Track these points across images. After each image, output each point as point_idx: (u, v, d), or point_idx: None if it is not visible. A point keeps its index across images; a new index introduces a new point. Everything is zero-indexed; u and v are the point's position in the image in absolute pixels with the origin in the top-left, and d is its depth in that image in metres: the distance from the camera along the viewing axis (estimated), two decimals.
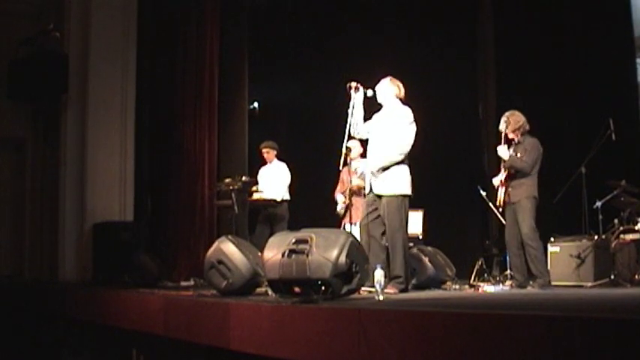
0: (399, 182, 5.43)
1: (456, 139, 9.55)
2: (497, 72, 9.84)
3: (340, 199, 7.38)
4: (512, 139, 6.14)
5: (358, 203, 6.74)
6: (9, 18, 8.74)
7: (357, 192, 6.72)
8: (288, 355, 3.66)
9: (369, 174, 5.57)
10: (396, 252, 5.34)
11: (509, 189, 6.01)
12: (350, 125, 5.55)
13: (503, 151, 6.07)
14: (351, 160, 6.47)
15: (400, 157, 5.42)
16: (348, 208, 6.29)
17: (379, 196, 5.47)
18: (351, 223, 6.48)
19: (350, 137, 5.59)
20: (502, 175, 6.06)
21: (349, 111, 5.57)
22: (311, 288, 4.19)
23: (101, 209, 8.26)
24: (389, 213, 5.39)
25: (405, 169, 5.48)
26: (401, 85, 5.64)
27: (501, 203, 6.10)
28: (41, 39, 8.39)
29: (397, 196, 5.41)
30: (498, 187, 6.10)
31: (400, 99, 5.61)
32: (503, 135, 6.14)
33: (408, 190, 5.47)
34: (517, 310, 3.14)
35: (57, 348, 7.28)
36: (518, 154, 5.99)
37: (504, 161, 6.06)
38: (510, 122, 6.10)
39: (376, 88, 5.63)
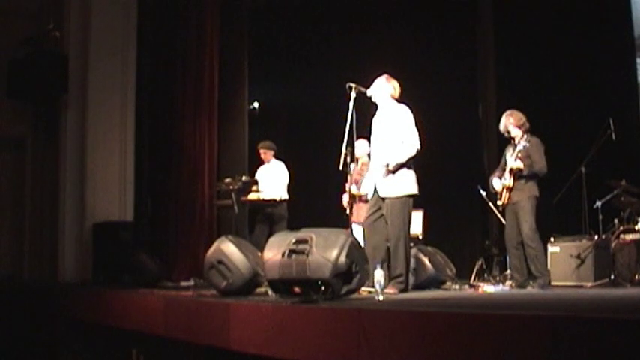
0: (406, 183, 5.43)
1: (456, 139, 9.54)
2: (497, 72, 9.84)
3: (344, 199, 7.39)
4: (514, 138, 6.11)
5: (361, 203, 6.81)
6: (9, 18, 8.73)
7: (356, 198, 6.78)
8: (288, 355, 3.66)
9: (378, 173, 5.55)
10: (399, 251, 5.34)
11: (512, 190, 5.99)
12: (350, 125, 5.55)
13: (517, 163, 5.92)
14: (357, 159, 6.51)
15: (415, 152, 5.42)
16: (351, 207, 6.29)
17: (383, 198, 5.48)
18: (357, 223, 6.52)
19: (350, 138, 5.59)
20: (509, 182, 5.97)
21: (349, 111, 5.57)
22: (311, 288, 4.19)
23: (101, 209, 8.26)
24: (393, 212, 5.39)
25: (410, 171, 5.50)
26: (397, 85, 5.64)
27: (505, 204, 6.08)
28: (41, 39, 8.39)
29: (403, 197, 5.42)
30: (503, 190, 6.06)
31: (395, 99, 5.62)
32: (510, 137, 6.11)
33: (414, 189, 5.47)
34: (517, 310, 3.14)
35: (57, 348, 7.28)
36: (521, 156, 5.92)
37: (516, 168, 5.93)
38: (513, 118, 6.08)
39: (372, 87, 5.63)
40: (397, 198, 5.41)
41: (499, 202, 6.16)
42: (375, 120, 5.70)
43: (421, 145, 5.49)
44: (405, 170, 5.45)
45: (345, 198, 7.33)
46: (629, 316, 2.28)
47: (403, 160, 5.41)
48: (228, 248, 5.09)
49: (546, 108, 8.21)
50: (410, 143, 5.43)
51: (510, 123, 6.11)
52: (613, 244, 6.39)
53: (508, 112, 6.18)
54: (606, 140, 6.81)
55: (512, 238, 6.03)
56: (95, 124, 8.37)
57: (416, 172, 5.52)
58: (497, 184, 6.15)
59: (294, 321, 3.72)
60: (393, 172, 5.42)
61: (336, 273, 4.18)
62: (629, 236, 6.42)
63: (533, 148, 5.94)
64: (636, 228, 6.41)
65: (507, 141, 6.29)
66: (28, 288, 8.05)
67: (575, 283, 6.33)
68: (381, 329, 3.12)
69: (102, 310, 6.19)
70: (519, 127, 6.06)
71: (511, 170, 5.97)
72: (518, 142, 6.00)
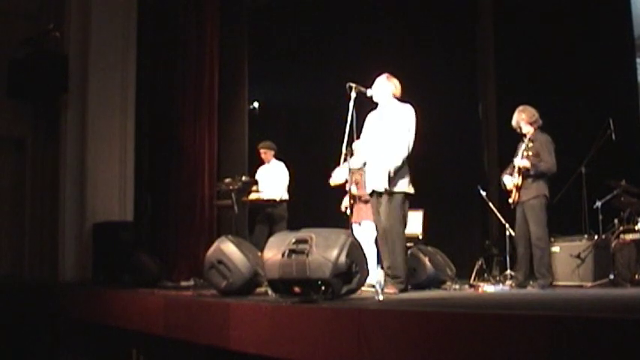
0: (401, 181, 5.41)
1: (456, 139, 9.55)
2: (497, 72, 9.84)
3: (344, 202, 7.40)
4: (525, 135, 6.07)
5: (361, 204, 6.80)
6: (9, 18, 8.73)
7: (355, 197, 6.80)
8: (288, 355, 3.66)
9: (374, 174, 5.54)
10: (396, 251, 5.33)
11: (521, 188, 5.97)
12: (350, 126, 5.54)
13: (523, 162, 5.91)
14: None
15: (407, 152, 5.40)
16: (350, 208, 6.31)
17: (380, 195, 5.47)
18: (357, 223, 6.50)
19: (350, 138, 5.57)
20: (518, 180, 5.95)
21: (349, 111, 5.56)
22: (311, 288, 4.19)
23: (101, 209, 8.25)
24: (389, 211, 5.37)
25: (405, 168, 5.47)
26: (397, 83, 5.62)
27: (515, 202, 6.06)
28: (41, 39, 8.38)
29: (399, 195, 5.40)
30: (512, 189, 6.03)
31: (397, 97, 5.61)
32: (521, 134, 6.07)
33: (410, 188, 5.46)
34: (517, 310, 3.14)
35: (56, 348, 7.28)
36: (531, 154, 5.86)
37: (522, 167, 5.90)
38: (525, 114, 6.03)
39: (373, 87, 5.62)
40: (393, 194, 5.38)
41: (510, 200, 6.12)
42: (372, 116, 5.66)
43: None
44: (400, 168, 5.41)
45: (345, 202, 7.36)
46: (629, 316, 2.28)
47: (399, 163, 5.38)
48: (228, 248, 5.09)
49: (546, 108, 8.18)
50: (404, 143, 5.39)
51: (522, 119, 6.05)
52: (613, 244, 6.39)
53: (521, 107, 6.11)
54: (606, 140, 6.81)
55: (522, 236, 5.99)
56: (95, 124, 8.37)
57: (413, 172, 5.50)
58: (508, 181, 6.10)
59: (294, 321, 3.72)
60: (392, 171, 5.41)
61: (336, 273, 4.18)
62: (629, 236, 6.42)
63: (542, 147, 5.89)
64: (636, 228, 6.41)
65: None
66: (28, 288, 8.05)
67: (575, 283, 6.33)
68: (381, 329, 3.12)
69: (102, 310, 6.19)
70: (531, 124, 6.01)
71: (519, 169, 5.95)
72: (529, 139, 5.96)
